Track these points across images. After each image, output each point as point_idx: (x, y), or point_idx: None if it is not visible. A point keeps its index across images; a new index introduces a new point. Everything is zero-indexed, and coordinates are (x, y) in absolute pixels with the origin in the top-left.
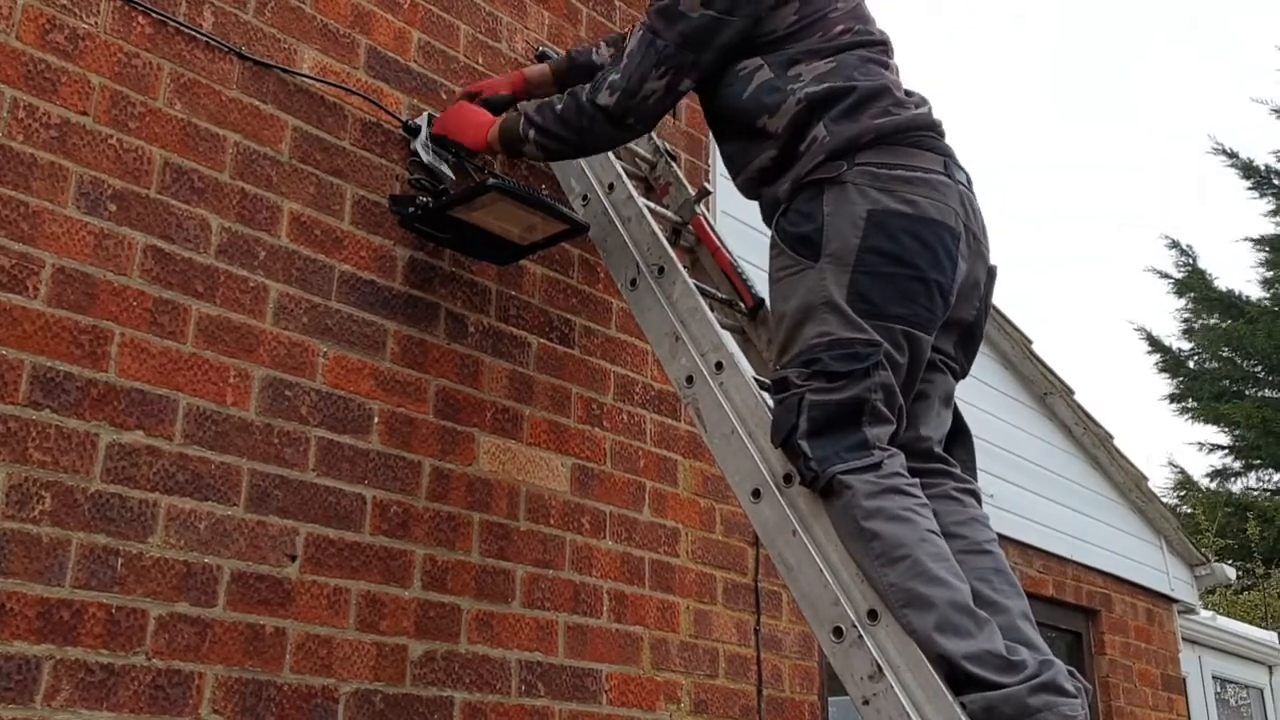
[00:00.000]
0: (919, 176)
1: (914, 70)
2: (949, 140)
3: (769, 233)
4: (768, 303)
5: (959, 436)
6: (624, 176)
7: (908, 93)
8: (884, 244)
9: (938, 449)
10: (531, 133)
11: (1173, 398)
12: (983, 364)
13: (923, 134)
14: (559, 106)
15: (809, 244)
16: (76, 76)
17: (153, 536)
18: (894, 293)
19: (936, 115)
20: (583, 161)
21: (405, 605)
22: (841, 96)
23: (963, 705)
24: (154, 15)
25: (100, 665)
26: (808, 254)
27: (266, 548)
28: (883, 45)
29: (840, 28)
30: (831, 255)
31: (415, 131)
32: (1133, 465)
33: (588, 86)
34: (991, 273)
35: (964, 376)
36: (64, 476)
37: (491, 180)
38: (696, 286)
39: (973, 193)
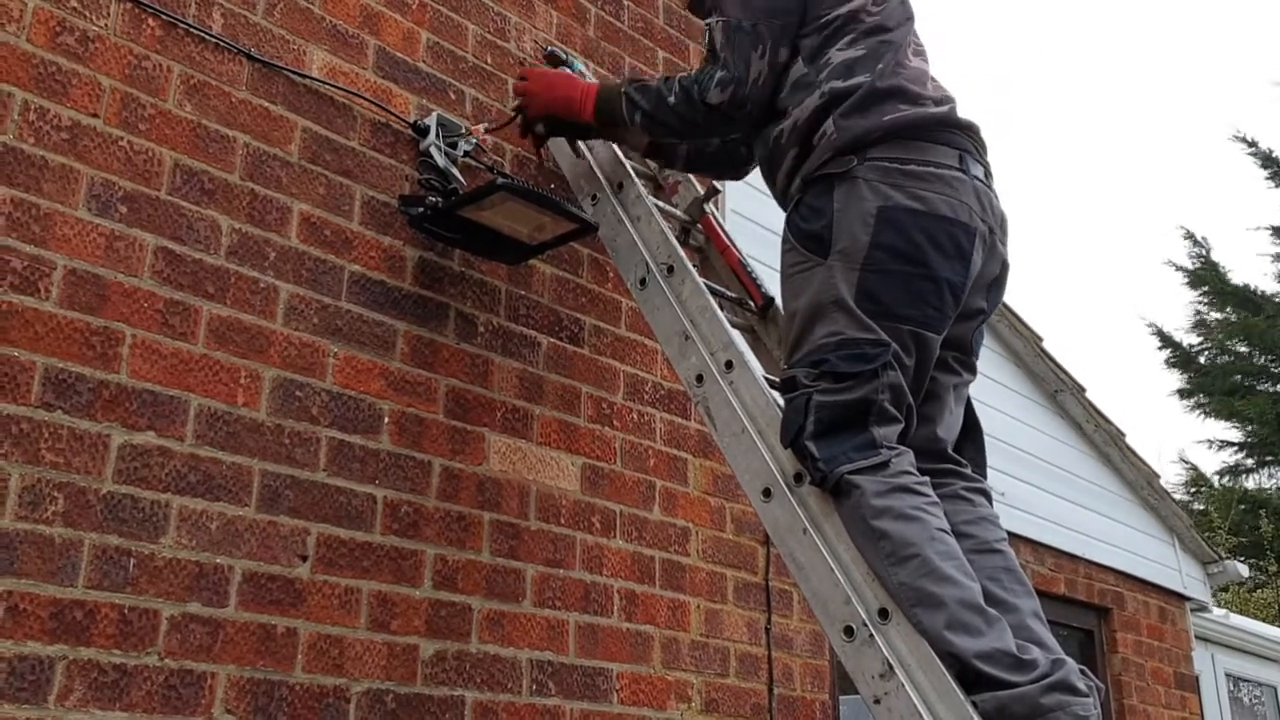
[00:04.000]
0: (931, 172)
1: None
2: (982, 134)
3: (779, 231)
4: (778, 300)
5: (971, 433)
6: (633, 176)
7: (933, 97)
8: (894, 241)
9: (949, 449)
10: (638, 117)
11: (1183, 393)
12: (994, 362)
13: (938, 130)
14: (671, 100)
15: (818, 241)
16: (87, 79)
17: (165, 537)
18: (903, 293)
19: (962, 114)
20: (592, 161)
21: (416, 605)
22: (856, 90)
23: (974, 704)
24: (164, 17)
25: (113, 665)
26: (817, 251)
27: (278, 548)
28: (910, 22)
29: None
30: (840, 253)
31: (424, 132)
32: (1144, 463)
33: (694, 86)
34: (1005, 265)
35: (975, 366)
36: (76, 477)
37: (500, 180)
38: (706, 285)
39: (991, 188)
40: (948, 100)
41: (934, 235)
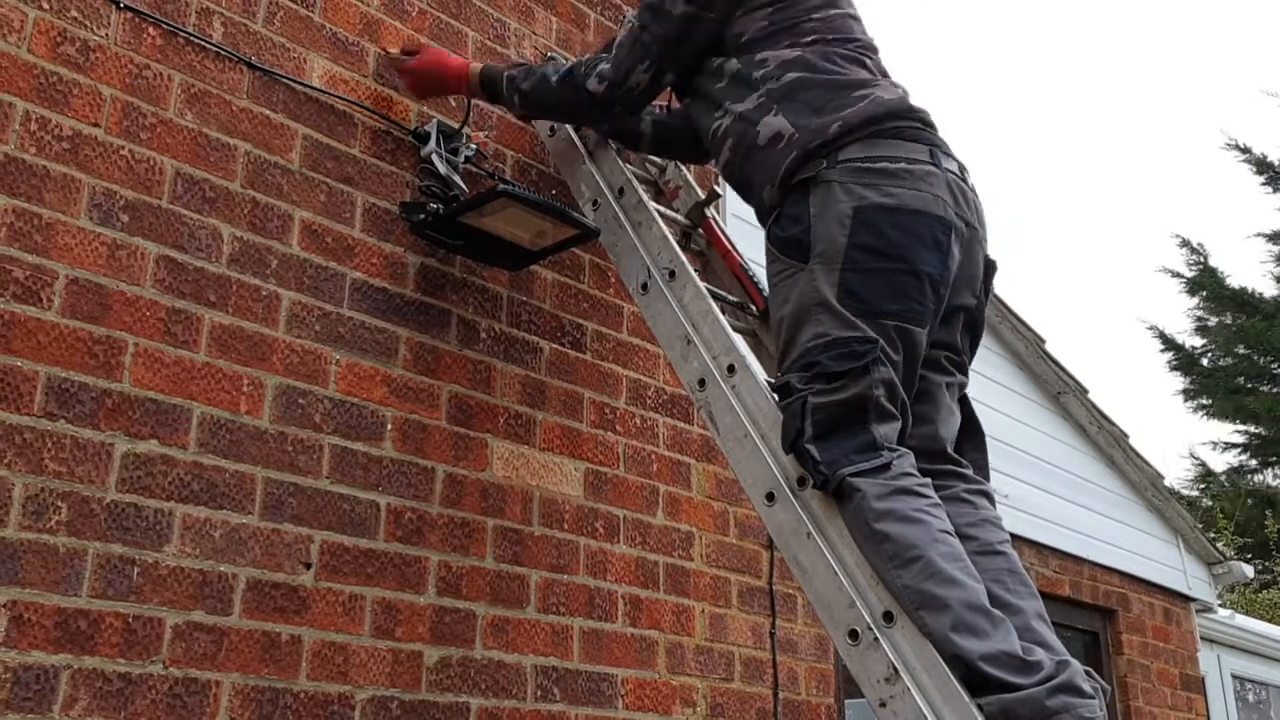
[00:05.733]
0: (902, 168)
1: (916, 67)
2: (940, 130)
3: None
4: None
5: (972, 435)
6: (634, 181)
7: (891, 81)
8: (871, 240)
9: (949, 449)
10: (517, 98)
11: (1187, 393)
12: (996, 364)
13: (902, 123)
14: (554, 80)
15: (798, 246)
16: (88, 88)
17: (168, 545)
18: (884, 289)
19: (915, 102)
20: (592, 166)
21: (420, 611)
22: (803, 88)
23: (980, 707)
24: (164, 26)
25: (118, 674)
26: (798, 256)
27: (281, 555)
28: (860, 44)
29: (812, 37)
30: (820, 255)
31: (425, 139)
32: (1148, 464)
33: (581, 67)
34: (990, 266)
35: (968, 367)
36: (80, 487)
37: (502, 186)
38: (708, 290)
39: (966, 182)
40: (899, 87)
41: (910, 230)
